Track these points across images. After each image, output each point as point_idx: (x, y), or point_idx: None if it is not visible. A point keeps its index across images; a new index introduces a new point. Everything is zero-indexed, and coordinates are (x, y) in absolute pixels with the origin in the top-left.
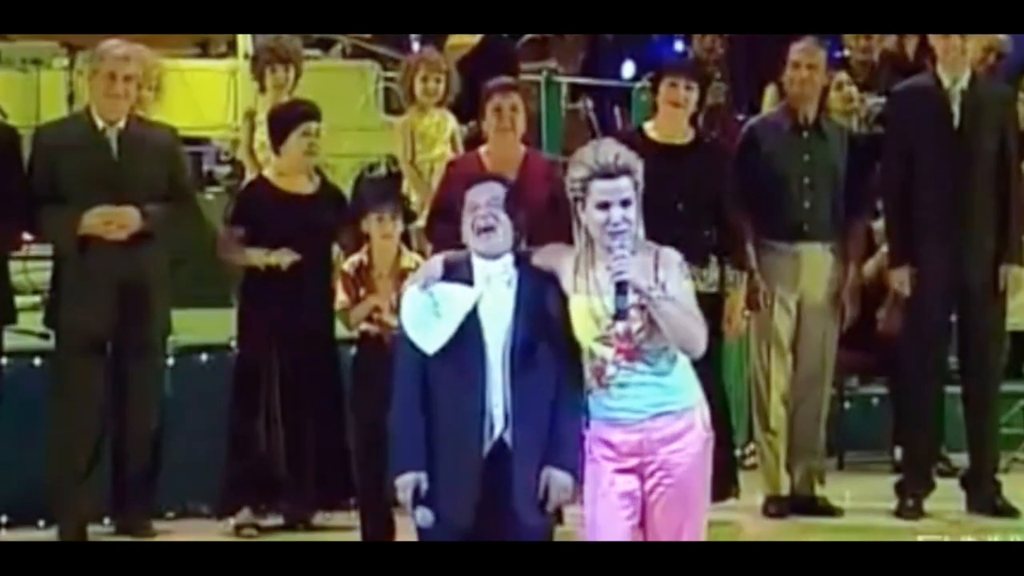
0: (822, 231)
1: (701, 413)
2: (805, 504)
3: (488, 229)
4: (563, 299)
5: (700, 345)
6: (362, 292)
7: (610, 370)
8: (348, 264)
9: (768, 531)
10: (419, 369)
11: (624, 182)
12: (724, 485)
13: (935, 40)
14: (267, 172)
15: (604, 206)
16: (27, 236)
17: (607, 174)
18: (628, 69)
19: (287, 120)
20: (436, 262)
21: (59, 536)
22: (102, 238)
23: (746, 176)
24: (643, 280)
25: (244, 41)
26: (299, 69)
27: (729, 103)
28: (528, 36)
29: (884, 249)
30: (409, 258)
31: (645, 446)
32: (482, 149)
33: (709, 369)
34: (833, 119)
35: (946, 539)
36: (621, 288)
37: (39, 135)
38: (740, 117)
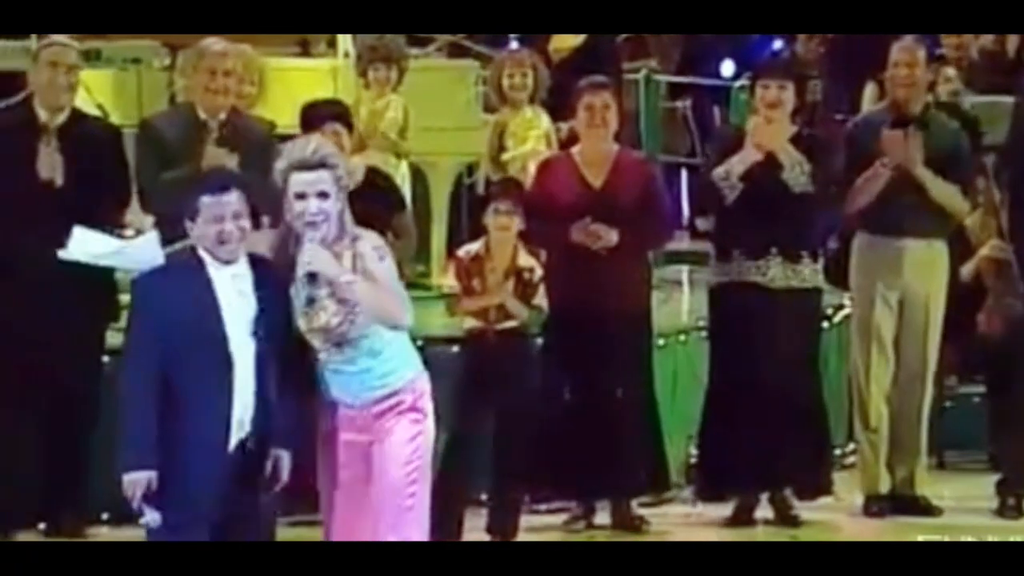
0: (925, 227)
1: (412, 393)
2: (906, 503)
3: (234, 240)
4: (287, 295)
5: (401, 317)
6: (475, 283)
7: (322, 356)
8: (463, 251)
9: (868, 530)
10: (154, 367)
11: (323, 174)
12: (819, 483)
13: None
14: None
15: (301, 196)
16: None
17: (305, 166)
18: (727, 68)
19: (304, 122)
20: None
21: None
22: None
23: (851, 172)
24: (333, 268)
25: (344, 41)
26: (402, 68)
27: (826, 100)
28: (627, 35)
29: (982, 252)
30: (525, 258)
31: (360, 425)
32: (574, 148)
33: (808, 366)
34: (939, 114)
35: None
36: (313, 278)
37: (145, 125)
38: (840, 116)
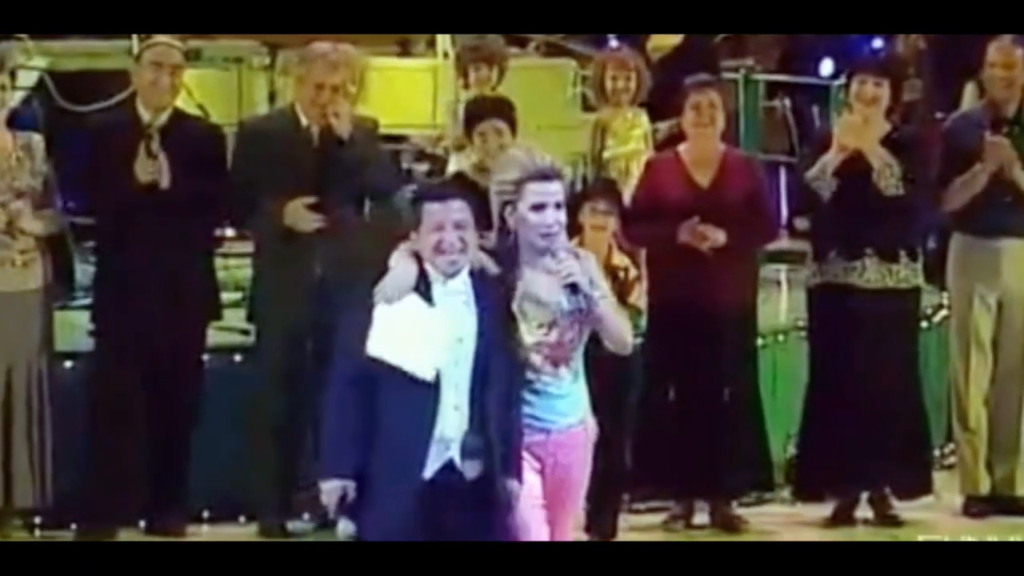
0: (1023, 227)
1: (590, 415)
2: (1006, 504)
3: (455, 251)
4: (510, 311)
5: (629, 342)
6: None
7: (531, 375)
8: None
9: (968, 531)
10: (362, 378)
11: (557, 185)
12: (919, 484)
13: None
14: (464, 166)
15: (539, 208)
16: (229, 233)
17: (543, 176)
18: (826, 67)
19: (467, 117)
20: (411, 272)
21: (259, 533)
22: (301, 232)
23: (947, 171)
24: (585, 281)
25: (443, 40)
26: (503, 68)
27: (925, 99)
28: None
29: None
30: (619, 257)
31: (543, 448)
32: (681, 148)
33: (907, 366)
34: None
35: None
36: (573, 289)
37: (243, 128)
38: (939, 115)
